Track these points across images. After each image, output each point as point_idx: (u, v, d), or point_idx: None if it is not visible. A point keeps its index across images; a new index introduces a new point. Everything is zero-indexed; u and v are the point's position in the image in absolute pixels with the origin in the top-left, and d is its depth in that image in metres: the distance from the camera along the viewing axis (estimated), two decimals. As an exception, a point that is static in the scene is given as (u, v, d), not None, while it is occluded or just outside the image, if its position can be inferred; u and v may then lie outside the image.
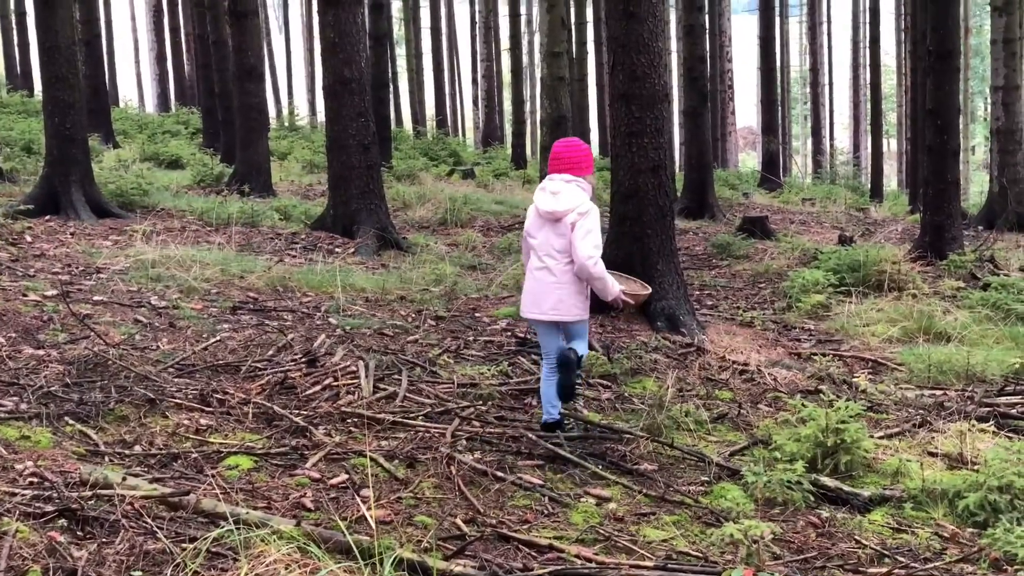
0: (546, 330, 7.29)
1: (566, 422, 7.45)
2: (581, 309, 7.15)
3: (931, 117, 16.19)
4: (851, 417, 7.08)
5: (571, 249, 6.98)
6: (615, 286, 7.12)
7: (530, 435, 7.14)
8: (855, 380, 9.31)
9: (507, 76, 48.52)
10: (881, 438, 7.69)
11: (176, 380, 7.78)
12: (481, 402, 7.91)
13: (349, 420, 7.22)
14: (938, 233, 16.15)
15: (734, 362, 9.63)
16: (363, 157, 15.79)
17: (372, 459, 6.32)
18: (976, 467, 6.91)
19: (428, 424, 7.26)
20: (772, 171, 34.44)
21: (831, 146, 59.30)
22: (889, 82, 64.22)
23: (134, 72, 59.91)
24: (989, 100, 27.17)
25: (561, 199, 7.04)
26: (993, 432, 7.77)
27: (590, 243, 6.93)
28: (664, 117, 11.34)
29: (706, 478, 6.75)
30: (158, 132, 30.43)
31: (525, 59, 59.09)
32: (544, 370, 7.34)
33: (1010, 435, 7.76)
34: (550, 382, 7.24)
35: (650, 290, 8.43)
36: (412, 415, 7.45)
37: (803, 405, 7.60)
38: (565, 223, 6.99)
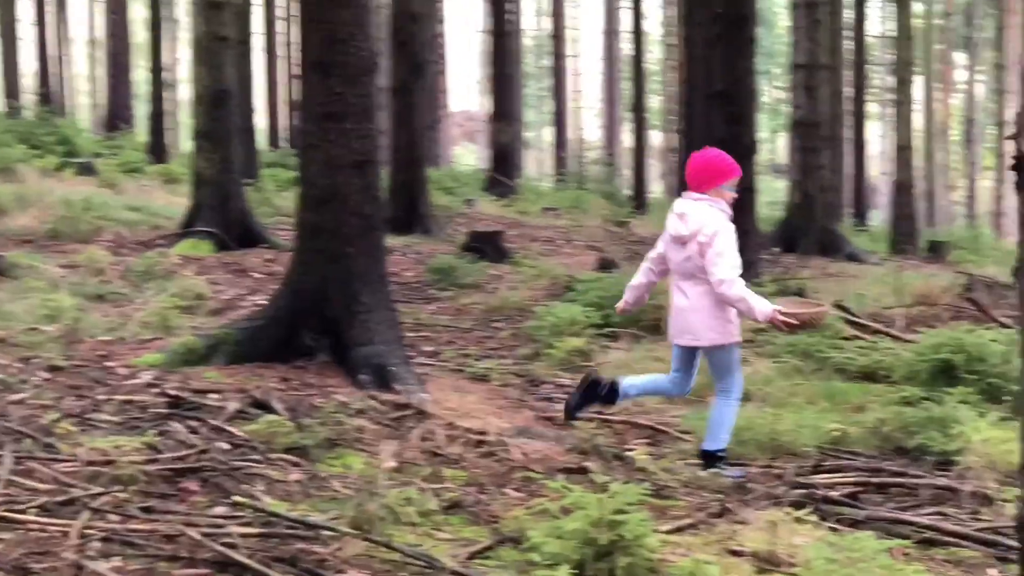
0: (681, 353, 9.41)
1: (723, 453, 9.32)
2: (719, 333, 9.05)
3: (721, 102, 16.73)
4: (630, 505, 7.18)
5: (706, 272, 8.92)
6: (764, 305, 8.79)
7: (191, 533, 7.00)
8: (632, 454, 9.50)
9: (142, 34, 47.95)
10: (670, 532, 7.81)
11: None
12: (120, 487, 7.71)
13: (-77, 517, 6.95)
14: (729, 257, 16.69)
15: (467, 430, 9.69)
16: (-68, 138, 15.30)
17: (-40, 573, 6.09)
18: (794, 570, 7.12)
19: (44, 519, 7.03)
20: (504, 170, 35.08)
21: (579, 138, 60.91)
22: (651, 54, 66.45)
23: None
24: (789, 83, 28.42)
25: (687, 221, 9.02)
26: (814, 523, 7.99)
27: (724, 265, 8.81)
28: (373, 94, 11.33)
29: (437, 590, 6.76)
30: None
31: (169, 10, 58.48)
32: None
33: (835, 527, 8.02)
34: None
35: (825, 308, 9.96)
36: (20, 507, 7.21)
37: (567, 489, 7.69)
38: (691, 246, 8.97)
